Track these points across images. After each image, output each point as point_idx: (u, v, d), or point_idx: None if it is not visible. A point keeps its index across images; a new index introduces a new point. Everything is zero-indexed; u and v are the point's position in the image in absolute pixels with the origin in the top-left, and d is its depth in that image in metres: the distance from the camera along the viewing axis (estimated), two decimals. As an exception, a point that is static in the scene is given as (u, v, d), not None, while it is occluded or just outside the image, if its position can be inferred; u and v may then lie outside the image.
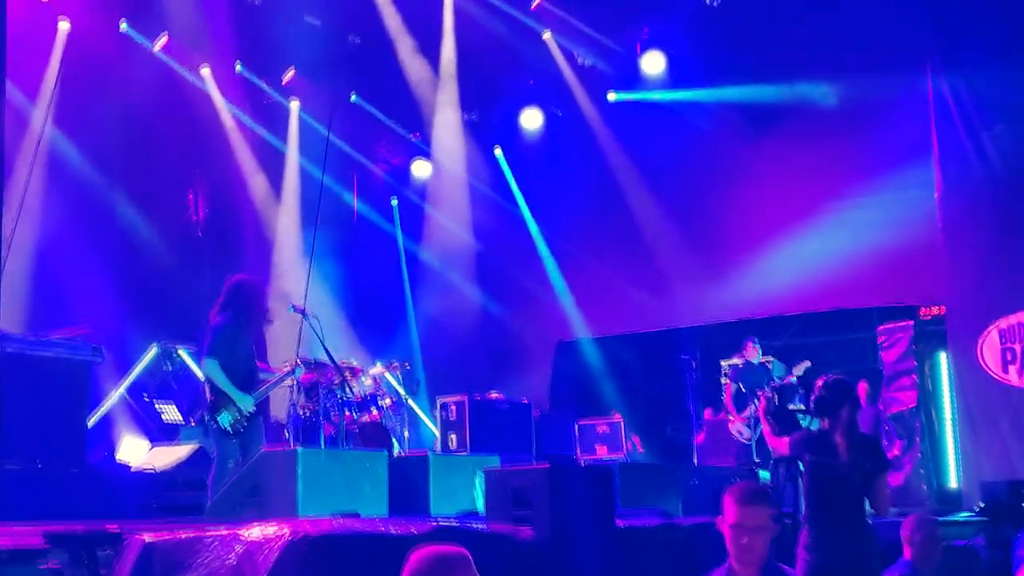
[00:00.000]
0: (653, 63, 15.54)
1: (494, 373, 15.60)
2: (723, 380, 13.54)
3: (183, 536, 5.52)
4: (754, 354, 12.91)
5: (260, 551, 5.18)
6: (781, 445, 7.06)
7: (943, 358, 12.79)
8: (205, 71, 15.64)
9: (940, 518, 10.54)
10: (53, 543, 5.61)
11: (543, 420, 14.36)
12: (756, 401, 12.30)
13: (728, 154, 15.30)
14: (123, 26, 14.53)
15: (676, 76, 15.50)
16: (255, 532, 5.34)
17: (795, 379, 11.98)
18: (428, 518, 7.72)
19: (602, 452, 13.98)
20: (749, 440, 12.27)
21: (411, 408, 12.80)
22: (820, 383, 6.67)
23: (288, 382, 9.60)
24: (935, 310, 12.98)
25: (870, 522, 6.77)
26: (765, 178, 14.89)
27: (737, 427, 12.51)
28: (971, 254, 12.34)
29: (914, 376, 12.81)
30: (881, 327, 13.20)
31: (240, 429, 8.38)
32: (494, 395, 13.21)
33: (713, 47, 15.02)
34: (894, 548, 8.49)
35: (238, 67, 15.84)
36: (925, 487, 12.52)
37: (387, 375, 12.36)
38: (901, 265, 13.28)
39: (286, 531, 5.27)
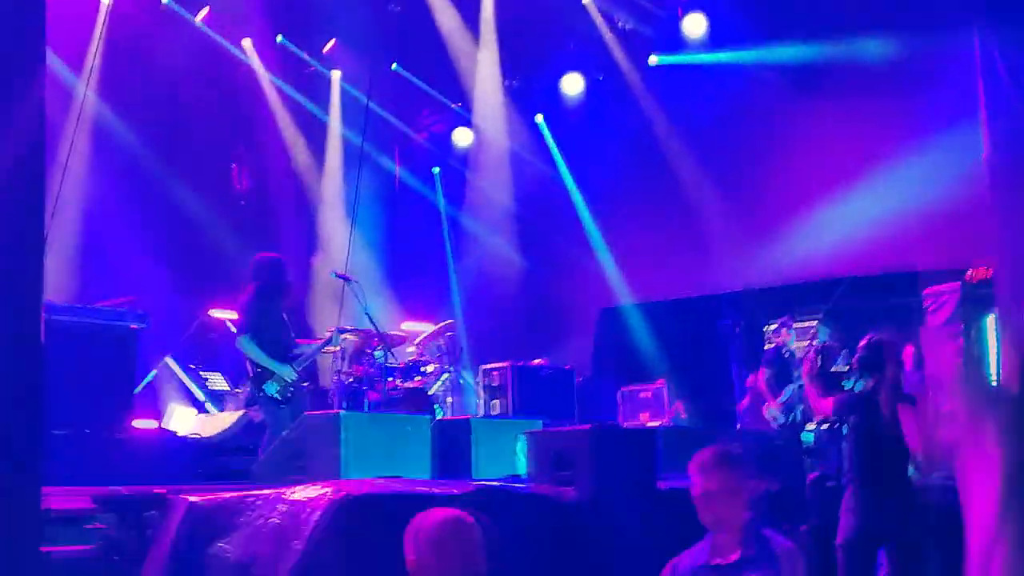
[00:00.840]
0: (695, 25, 15.38)
1: (537, 340, 15.59)
2: (767, 346, 13.44)
3: (228, 497, 5.59)
4: (788, 339, 12.79)
5: (303, 511, 5.25)
6: (825, 407, 7.05)
7: (990, 321, 12.63)
8: (246, 43, 15.71)
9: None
10: (100, 505, 5.70)
11: (586, 386, 14.34)
12: (797, 370, 12.24)
13: (771, 116, 15.14)
14: (164, 0, 14.60)
15: (718, 38, 15.33)
16: (298, 493, 5.41)
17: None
18: (471, 480, 7.76)
19: (645, 418, 13.93)
20: (782, 425, 12.11)
21: (455, 374, 12.81)
22: (863, 343, 6.64)
23: (329, 350, 9.68)
24: (982, 272, 12.80)
25: (913, 485, 6.74)
26: (809, 140, 14.73)
27: (772, 412, 12.42)
28: (1019, 216, 12.14)
29: (960, 340, 12.65)
30: (928, 290, 13.05)
31: (288, 395, 8.57)
32: (537, 361, 13.20)
33: (755, 7, 14.84)
34: (936, 512, 8.45)
35: (279, 38, 15.88)
36: (972, 451, 12.38)
37: (430, 342, 12.39)
38: (948, 227, 13.10)
39: (328, 491, 5.33)
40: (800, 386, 12.14)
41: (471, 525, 3.72)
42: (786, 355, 12.68)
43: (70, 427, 8.43)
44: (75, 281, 12.56)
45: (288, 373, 8.56)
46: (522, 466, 8.02)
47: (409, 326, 13.63)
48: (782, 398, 12.37)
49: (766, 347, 13.18)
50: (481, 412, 12.68)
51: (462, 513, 3.72)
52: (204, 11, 14.85)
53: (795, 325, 13.13)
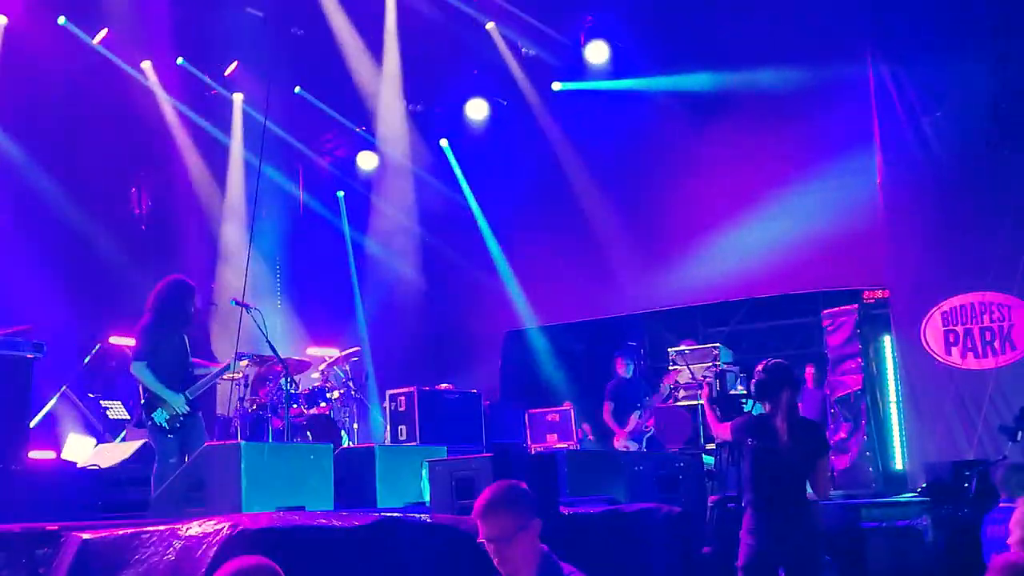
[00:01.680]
0: (597, 52, 15.54)
1: (443, 364, 15.61)
2: (670, 368, 13.61)
3: (121, 533, 5.48)
4: (624, 370, 13.16)
5: (199, 547, 5.17)
6: (723, 430, 7.12)
7: (887, 341, 12.93)
8: (146, 65, 15.47)
9: (886, 499, 10.73)
10: (-11, 543, 5.56)
11: (493, 410, 14.36)
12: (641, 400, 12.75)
13: (672, 142, 15.37)
14: (61, 20, 14.33)
15: (620, 65, 15.53)
16: (194, 528, 5.32)
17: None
18: (373, 510, 7.70)
19: (553, 441, 14.00)
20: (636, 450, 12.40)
21: (360, 400, 12.75)
22: (760, 368, 6.73)
23: (231, 376, 9.55)
24: (879, 293, 13.11)
25: (811, 506, 6.85)
26: (709, 166, 14.97)
27: (623, 443, 12.70)
28: (913, 238, 12.49)
29: (859, 359, 12.92)
30: (826, 311, 13.32)
31: (177, 425, 8.44)
32: (443, 386, 13.19)
33: (656, 36, 15.05)
34: (834, 532, 8.62)
35: (179, 60, 15.68)
36: (871, 469, 12.65)
37: (335, 368, 12.32)
38: (845, 250, 13.39)
39: (225, 526, 5.25)
40: (641, 410, 12.53)
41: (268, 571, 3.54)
42: (627, 383, 13.07)
43: (-36, 461, 8.20)
44: (-33, 310, 12.23)
45: (179, 403, 8.44)
46: (427, 493, 7.99)
47: (314, 351, 13.53)
48: (628, 427, 12.64)
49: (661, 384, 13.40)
50: (387, 438, 12.62)
51: (263, 561, 3.55)
52: (103, 32, 14.60)
53: (695, 347, 13.33)
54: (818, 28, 13.46)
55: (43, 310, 12.48)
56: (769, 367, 6.72)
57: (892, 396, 12.85)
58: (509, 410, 14.82)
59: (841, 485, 12.18)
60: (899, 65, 12.52)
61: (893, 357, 12.83)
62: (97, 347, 13.27)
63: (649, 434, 12.74)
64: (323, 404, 11.66)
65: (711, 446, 11.70)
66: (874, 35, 12.83)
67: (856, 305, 13.12)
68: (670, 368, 13.54)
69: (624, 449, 12.51)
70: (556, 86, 16.25)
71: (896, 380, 12.78)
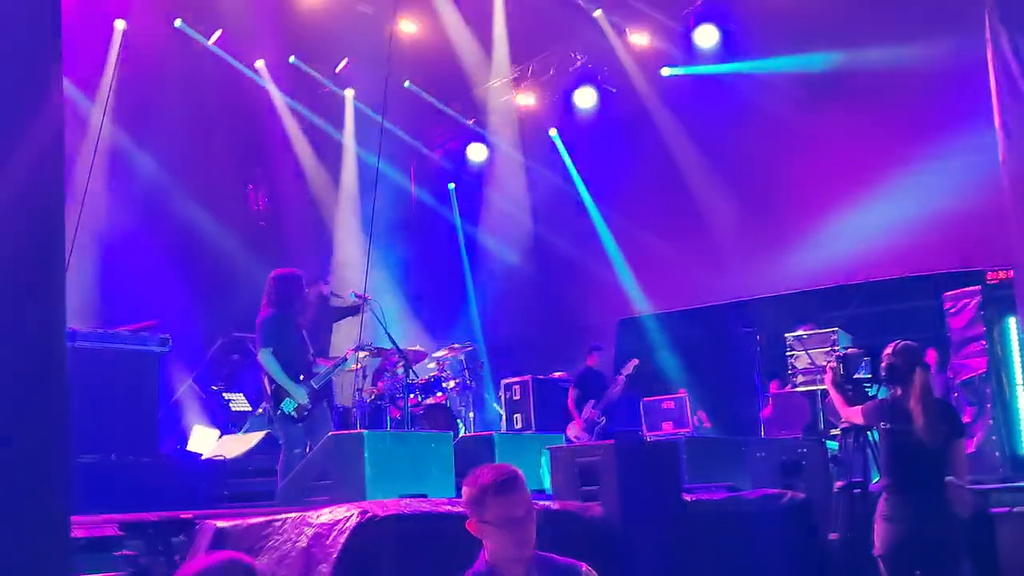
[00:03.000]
0: (706, 36, 15.39)
1: (557, 353, 15.60)
2: (788, 353, 13.43)
3: (254, 521, 5.60)
4: (595, 363, 13.83)
5: (329, 533, 5.26)
6: (854, 415, 7.02)
7: (1012, 323, 12.57)
8: (260, 64, 15.78)
9: (1015, 484, 10.44)
10: (128, 531, 5.72)
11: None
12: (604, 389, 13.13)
13: (785, 124, 15.12)
14: (178, 23, 14.68)
15: (730, 48, 15.34)
16: (324, 515, 5.42)
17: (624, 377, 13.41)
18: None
19: (668, 428, 13.91)
20: (587, 442, 12.43)
21: (476, 389, 12.83)
22: (889, 351, 6.62)
23: (352, 367, 9.70)
24: (1003, 274, 12.75)
25: (949, 491, 6.69)
26: (824, 147, 14.70)
27: (574, 432, 12.78)
28: (1038, 216, 12.12)
29: (983, 342, 12.58)
30: (947, 293, 13.01)
31: (304, 414, 8.57)
32: (557, 375, 13.23)
33: (765, 17, 14.84)
34: (970, 518, 8.39)
35: (292, 59, 15.95)
36: (998, 454, 12.32)
37: (451, 358, 12.42)
38: (967, 230, 13.07)
39: (354, 513, 5.34)
40: (599, 402, 12.65)
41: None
42: (594, 375, 13.55)
43: (97, 453, 8.47)
44: (97, 307, 12.61)
45: (301, 395, 8.58)
46: (547, 480, 8.02)
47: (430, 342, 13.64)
48: (584, 415, 12.68)
49: (790, 368, 13.29)
50: (503, 426, 12.71)
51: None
52: (217, 33, 14.94)
53: (813, 331, 13.13)
54: (934, 1, 13.14)
55: (168, 305, 12.83)
56: (899, 350, 6.61)
57: (1018, 379, 12.50)
58: (624, 398, 14.79)
59: (967, 471, 11.90)
60: (1019, 36, 12.16)
61: (1019, 339, 12.48)
62: (220, 341, 13.57)
63: (601, 424, 12.88)
64: (439, 394, 11.77)
65: (835, 432, 11.54)
66: (992, 5, 12.47)
67: (979, 287, 12.76)
68: (788, 353, 13.38)
69: (576, 438, 12.63)
70: (665, 72, 16.12)
71: (1022, 362, 12.43)
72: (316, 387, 8.76)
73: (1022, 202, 12.69)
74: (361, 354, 10.17)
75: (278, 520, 5.53)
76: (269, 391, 8.69)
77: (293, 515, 5.54)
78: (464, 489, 3.93)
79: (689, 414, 13.99)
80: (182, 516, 5.88)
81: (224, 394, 13.24)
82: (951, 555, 6.39)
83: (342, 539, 5.20)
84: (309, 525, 5.37)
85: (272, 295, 8.97)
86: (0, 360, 3.35)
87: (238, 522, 5.63)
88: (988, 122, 12.61)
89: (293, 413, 8.53)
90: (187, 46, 14.81)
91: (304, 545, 5.31)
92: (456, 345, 12.61)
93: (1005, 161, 12.63)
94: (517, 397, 12.74)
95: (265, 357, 8.65)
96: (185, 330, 12.72)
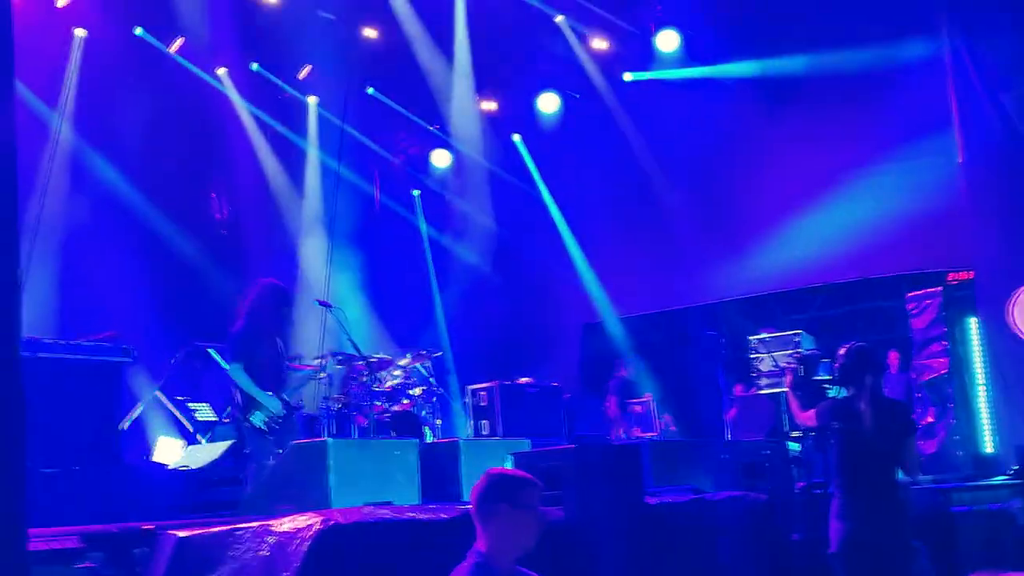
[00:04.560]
0: (668, 41, 15.47)
1: (523, 359, 15.61)
2: (751, 356, 13.54)
3: (216, 531, 5.58)
4: (624, 371, 14.55)
5: (291, 542, 5.24)
6: (808, 417, 7.07)
7: (973, 323, 12.72)
8: (222, 71, 15.72)
9: (976, 483, 10.55)
10: (89, 543, 5.68)
11: (574, 403, 14.40)
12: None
13: (747, 128, 15.25)
14: (138, 31, 14.60)
15: (691, 53, 15.44)
16: (286, 524, 5.40)
17: None
18: (459, 503, 7.75)
19: (634, 432, 13.98)
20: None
21: (443, 396, 12.82)
22: (842, 352, 6.68)
23: (321, 376, 9.66)
24: (963, 275, 12.90)
25: (902, 487, 6.77)
26: (785, 151, 14.83)
27: (620, 431, 13.05)
28: (997, 217, 12.27)
29: (945, 342, 12.74)
30: (909, 294, 13.14)
31: (275, 427, 8.52)
32: (523, 380, 13.23)
33: (726, 22, 14.94)
34: (925, 517, 8.48)
35: (254, 66, 15.90)
36: (960, 453, 12.47)
37: (416, 365, 12.40)
38: (927, 232, 13.22)
39: (316, 522, 5.32)
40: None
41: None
42: (628, 383, 14.00)
43: (59, 465, 8.39)
44: (58, 317, 12.51)
45: (275, 406, 8.51)
46: (538, 494, 8.01)
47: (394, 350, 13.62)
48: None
49: (754, 371, 13.43)
50: (470, 433, 12.69)
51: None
52: (179, 41, 14.85)
53: (776, 334, 13.25)
54: (890, 5, 13.26)
55: (131, 315, 12.74)
56: (851, 351, 6.67)
57: (980, 378, 12.64)
58: (590, 402, 14.84)
59: (930, 470, 12.00)
60: (975, 40, 12.31)
61: (980, 339, 12.62)
62: (184, 350, 13.49)
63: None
64: (406, 401, 11.74)
65: (796, 433, 11.64)
66: (949, 9, 12.62)
67: (940, 287, 12.93)
68: (751, 356, 13.48)
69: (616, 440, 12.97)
70: (627, 77, 16.18)
71: (984, 362, 12.57)
72: (289, 399, 8.73)
73: (981, 203, 12.88)
74: (335, 363, 10.15)
75: (240, 529, 5.51)
76: (240, 402, 8.63)
77: (255, 524, 5.52)
78: (496, 477, 4.26)
79: (655, 417, 14.07)
80: (144, 527, 5.84)
81: (189, 404, 13.16)
82: (902, 553, 6.45)
83: (304, 547, 5.18)
84: (271, 534, 5.35)
85: (249, 305, 8.86)
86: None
87: (200, 532, 5.60)
88: (947, 125, 12.79)
89: (263, 426, 8.47)
90: (148, 54, 14.71)
91: (266, 554, 5.29)
92: (422, 352, 12.59)
93: (964, 163, 12.82)
94: (484, 403, 12.70)
95: (236, 372, 8.55)
96: (148, 340, 12.64)
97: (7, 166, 3.63)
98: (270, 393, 8.56)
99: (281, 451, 8.48)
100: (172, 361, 13.52)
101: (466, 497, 8.57)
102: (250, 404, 8.54)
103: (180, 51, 14.95)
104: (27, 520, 3.55)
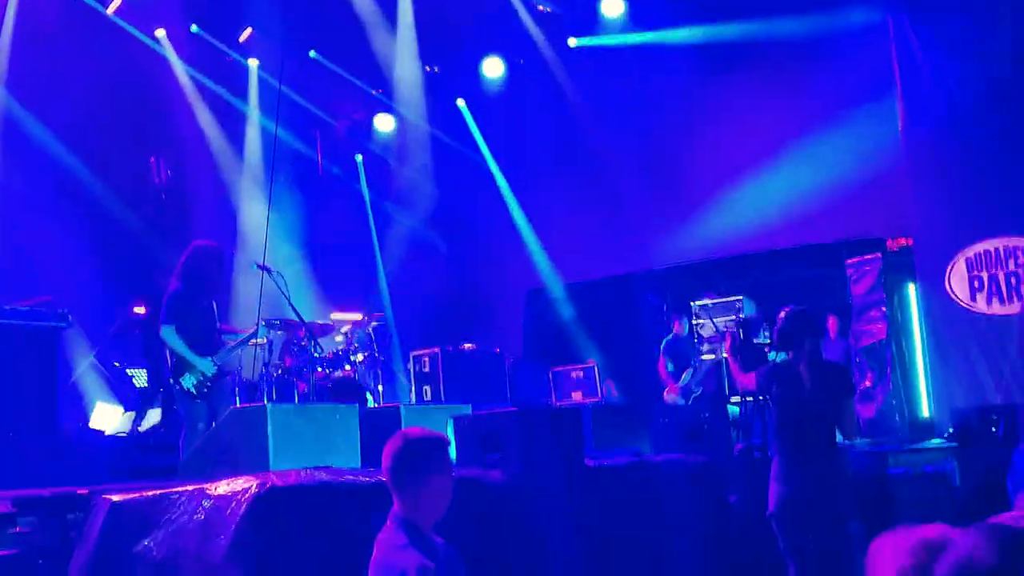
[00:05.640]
0: (612, 6, 15.41)
1: (466, 325, 15.61)
2: (694, 322, 13.65)
3: (150, 495, 5.53)
4: (681, 330, 13.57)
5: (228, 505, 5.20)
6: (748, 380, 7.12)
7: (911, 289, 12.87)
8: (160, 33, 15.45)
9: (913, 446, 10.73)
10: (21, 508, 5.62)
11: (517, 369, 14.43)
12: (694, 356, 12.97)
13: (690, 95, 15.25)
14: (74, -10, 14.32)
15: (636, 19, 15.38)
16: (222, 487, 5.36)
17: None
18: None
19: (577, 398, 14.02)
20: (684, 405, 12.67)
21: (384, 362, 12.78)
22: (781, 315, 6.72)
23: (255, 342, 9.59)
24: (903, 241, 13.05)
25: (840, 450, 6.85)
26: (728, 118, 14.87)
27: (672, 396, 12.92)
28: (936, 185, 12.38)
29: (883, 308, 12.89)
30: (849, 260, 13.26)
31: (204, 390, 8.47)
32: (466, 346, 13.23)
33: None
34: (862, 480, 8.61)
35: (193, 28, 15.65)
36: (897, 417, 12.64)
37: (358, 331, 12.35)
38: (867, 199, 13.31)
39: (253, 484, 5.29)
40: (694, 370, 12.77)
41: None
42: (683, 341, 13.27)
43: (-6, 431, 8.31)
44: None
45: (207, 367, 8.46)
46: (452, 451, 8.01)
47: (338, 316, 13.57)
48: (681, 382, 12.82)
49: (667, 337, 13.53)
50: (412, 399, 12.68)
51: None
52: (116, 2, 14.58)
53: (718, 300, 13.35)
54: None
55: (69, 281, 12.56)
56: (790, 315, 6.72)
57: (917, 344, 12.81)
58: (533, 368, 14.86)
59: (867, 434, 12.18)
60: (918, 11, 12.39)
61: (918, 305, 12.78)
62: (123, 316, 13.35)
63: (697, 394, 12.91)
64: (347, 367, 11.70)
65: (736, 398, 11.74)
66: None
67: (879, 254, 13.06)
68: (693, 321, 13.58)
69: (673, 402, 12.74)
70: (572, 42, 16.12)
71: (921, 328, 12.73)
72: (220, 362, 8.66)
73: (921, 171, 13.00)
74: (271, 330, 10.06)
75: (175, 493, 5.47)
76: (170, 364, 8.57)
77: (190, 488, 5.47)
78: (410, 443, 4.02)
79: (598, 383, 14.12)
80: (78, 492, 5.79)
81: (127, 370, 13.04)
82: (838, 516, 6.53)
83: (241, 510, 5.15)
84: (207, 497, 5.32)
85: (184, 268, 8.78)
86: None
87: (135, 496, 5.55)
88: (888, 92, 12.88)
89: (192, 389, 8.42)
90: (85, 15, 14.42)
91: (201, 517, 5.25)
92: (363, 317, 12.54)
93: (904, 131, 12.92)
94: (427, 369, 12.71)
95: (168, 334, 8.49)
96: (88, 305, 12.49)
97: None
98: (204, 356, 8.50)
99: (214, 416, 8.44)
100: (111, 330, 13.39)
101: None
102: (181, 366, 8.49)
103: (118, 12, 14.68)
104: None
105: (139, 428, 11.87)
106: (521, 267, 16.86)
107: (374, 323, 12.54)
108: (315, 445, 7.75)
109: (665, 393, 13.04)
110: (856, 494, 7.46)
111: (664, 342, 13.53)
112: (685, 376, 13.00)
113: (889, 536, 2.64)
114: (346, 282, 16.52)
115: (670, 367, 13.29)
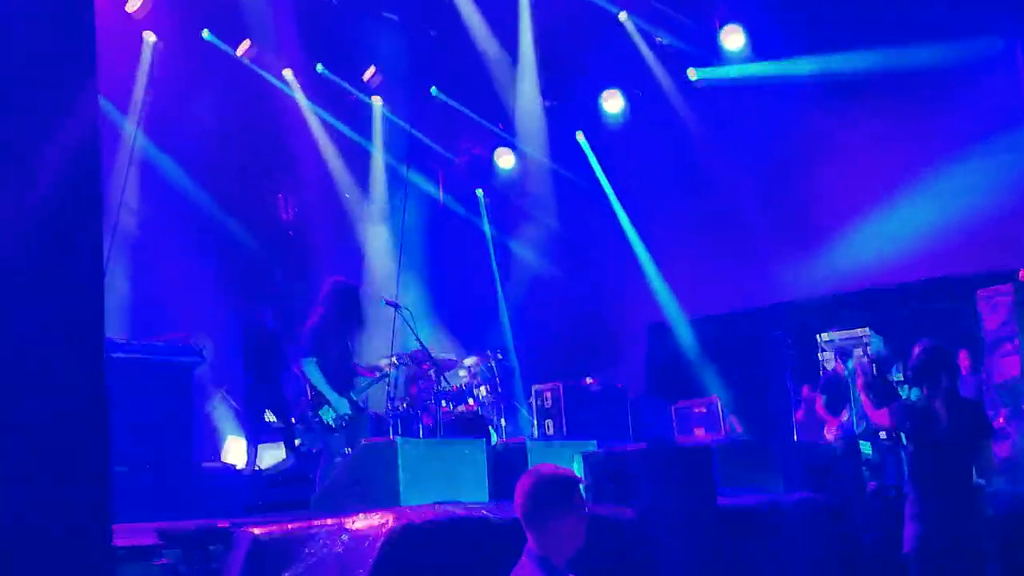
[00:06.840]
0: (733, 38, 15.32)
1: (587, 359, 15.58)
2: (819, 356, 13.40)
3: (291, 528, 5.63)
4: (841, 370, 13.04)
5: (365, 540, 5.28)
6: (881, 417, 6.99)
7: (1047, 322, 12.48)
8: (288, 73, 15.85)
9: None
10: (166, 540, 5.76)
11: (639, 404, 14.34)
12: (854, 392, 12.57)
13: (814, 126, 15.06)
14: (206, 34, 14.77)
15: (757, 50, 15.26)
16: (360, 522, 5.44)
17: None
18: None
19: (700, 433, 13.88)
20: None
21: (507, 397, 12.83)
22: (916, 351, 6.59)
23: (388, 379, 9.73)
24: (1037, 272, 12.67)
25: (978, 489, 6.68)
26: (853, 149, 14.65)
27: (832, 435, 12.60)
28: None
29: (1016, 341, 12.50)
30: (981, 292, 12.92)
31: (343, 424, 8.60)
32: (588, 381, 13.21)
33: (792, 18, 14.75)
34: (1000, 521, 8.35)
35: (319, 67, 16.02)
36: (1034, 456, 12.23)
37: (481, 366, 12.43)
38: (998, 230, 13.00)
39: (390, 520, 5.36)
40: (852, 407, 12.41)
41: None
42: (841, 380, 12.95)
43: (130, 464, 8.52)
44: (131, 318, 12.69)
45: (343, 406, 8.61)
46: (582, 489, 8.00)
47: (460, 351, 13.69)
48: (842, 419, 12.49)
49: (821, 371, 13.22)
50: (535, 433, 12.70)
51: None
52: (245, 44, 15.00)
53: (847, 334, 13.10)
54: (962, 1, 13.06)
55: (199, 316, 12.90)
56: (926, 349, 6.59)
57: (1048, 377, 12.40)
58: (655, 404, 14.76)
59: (1002, 473, 11.80)
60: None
61: (1052, 338, 12.37)
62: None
63: (864, 426, 12.64)
64: (471, 401, 11.79)
65: (866, 435, 11.49)
66: (1021, 7, 12.42)
67: (1012, 286, 12.70)
68: (819, 356, 13.34)
69: (833, 439, 12.48)
70: (692, 74, 16.07)
71: (1055, 362, 12.33)
72: (356, 398, 8.82)
73: (1054, 200, 12.67)
74: (399, 367, 10.20)
75: (314, 527, 5.56)
76: (309, 397, 8.72)
77: (329, 522, 5.56)
78: (543, 481, 4.15)
79: (721, 419, 13.96)
80: (219, 525, 5.91)
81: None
82: (976, 556, 6.36)
83: (378, 545, 5.22)
84: (345, 532, 5.40)
85: (326, 303, 8.98)
86: (42, 368, 3.39)
87: (275, 529, 5.66)
88: (1018, 120, 12.59)
89: (331, 422, 8.57)
90: (216, 57, 14.88)
91: (340, 552, 5.33)
92: (487, 353, 12.62)
93: (1036, 160, 12.62)
94: (548, 404, 12.75)
95: (308, 367, 8.67)
96: (218, 340, 12.79)
97: (91, 172, 3.70)
98: (340, 394, 8.65)
99: (350, 449, 8.56)
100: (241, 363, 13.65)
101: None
102: (319, 400, 8.64)
103: (247, 53, 15.10)
104: (112, 516, 3.61)
105: (258, 466, 12.04)
106: (642, 301, 16.79)
107: (497, 358, 12.61)
108: (444, 480, 7.80)
109: (826, 430, 12.77)
110: (994, 535, 7.25)
111: (821, 380, 13.25)
112: (846, 411, 12.69)
113: None
114: (469, 317, 16.66)
115: (826, 402, 12.99)
